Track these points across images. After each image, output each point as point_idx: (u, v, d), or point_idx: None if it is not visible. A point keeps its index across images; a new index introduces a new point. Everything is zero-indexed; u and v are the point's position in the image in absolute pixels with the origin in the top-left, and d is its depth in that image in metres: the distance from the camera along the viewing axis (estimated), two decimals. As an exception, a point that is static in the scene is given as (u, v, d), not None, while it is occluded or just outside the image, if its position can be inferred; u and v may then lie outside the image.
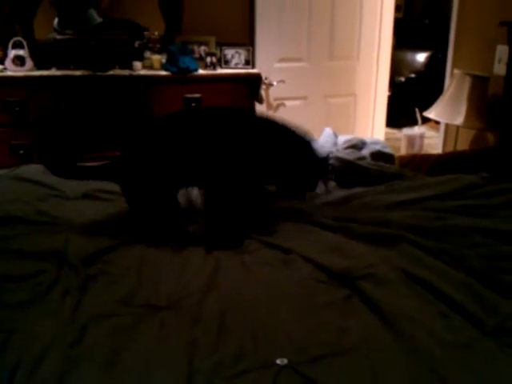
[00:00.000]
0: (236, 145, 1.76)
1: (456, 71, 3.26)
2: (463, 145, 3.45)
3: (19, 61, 3.13)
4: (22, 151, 3.08)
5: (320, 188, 2.12)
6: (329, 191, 2.15)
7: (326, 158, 2.19)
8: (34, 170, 2.30)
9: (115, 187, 2.04)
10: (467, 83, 3.08)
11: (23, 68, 3.14)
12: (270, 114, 3.74)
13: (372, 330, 1.23)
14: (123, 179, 1.77)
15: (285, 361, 1.10)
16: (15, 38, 3.17)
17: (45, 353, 1.14)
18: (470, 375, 1.09)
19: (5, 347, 1.15)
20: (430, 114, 3.30)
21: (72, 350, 1.15)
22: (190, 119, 1.82)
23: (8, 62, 3.14)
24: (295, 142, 1.86)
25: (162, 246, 1.65)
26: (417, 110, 4.71)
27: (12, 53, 3.13)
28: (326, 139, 2.56)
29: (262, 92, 3.52)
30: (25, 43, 3.17)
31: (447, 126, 3.73)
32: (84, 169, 1.88)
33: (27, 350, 1.14)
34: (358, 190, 2.10)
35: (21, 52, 3.15)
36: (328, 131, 2.65)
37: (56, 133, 1.86)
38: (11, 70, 3.13)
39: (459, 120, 3.11)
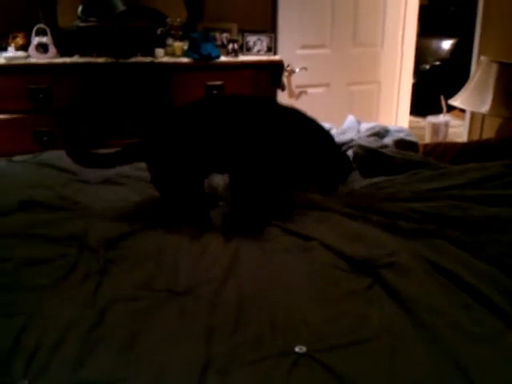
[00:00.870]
0: (262, 132, 1.75)
1: (482, 58, 3.19)
2: (489, 133, 3.38)
3: (42, 48, 3.15)
4: (45, 138, 3.11)
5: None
6: (351, 181, 2.12)
7: (349, 159, 2.15)
8: (57, 155, 2.32)
9: (135, 173, 2.05)
10: (494, 70, 3.02)
11: (46, 55, 3.16)
12: (292, 101, 3.71)
13: (393, 320, 1.21)
14: (152, 159, 1.77)
15: (303, 349, 1.09)
16: (38, 25, 3.19)
17: (64, 336, 1.15)
18: (493, 368, 1.07)
19: (25, 329, 1.17)
20: (456, 101, 3.24)
21: (91, 333, 1.16)
22: (220, 105, 1.82)
23: (31, 50, 3.16)
24: (321, 137, 1.85)
25: (181, 231, 1.65)
26: (442, 97, 4.63)
27: (35, 40, 3.15)
28: (349, 126, 2.53)
29: (284, 79, 3.50)
30: (48, 30, 3.18)
31: (473, 114, 3.67)
32: (108, 156, 1.88)
33: (47, 333, 1.15)
34: (380, 179, 2.07)
35: (44, 39, 3.16)
36: (351, 118, 2.62)
37: (82, 119, 1.86)
38: (34, 57, 3.15)
39: (485, 108, 3.05)
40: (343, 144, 2.37)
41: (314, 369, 1.04)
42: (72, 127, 1.80)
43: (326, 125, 2.61)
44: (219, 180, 1.98)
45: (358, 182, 2.11)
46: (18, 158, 2.33)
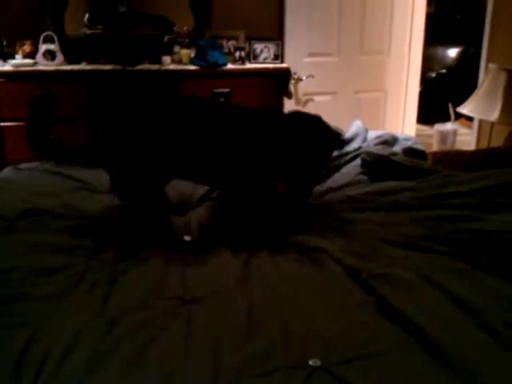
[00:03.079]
0: (243, 136, 1.71)
1: (491, 66, 3.17)
2: (497, 142, 3.36)
3: (50, 55, 3.16)
4: (51, 145, 3.10)
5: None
6: (359, 183, 2.11)
7: (339, 133, 2.07)
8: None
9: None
10: (503, 78, 3.00)
11: (54, 62, 3.16)
12: (300, 109, 3.69)
13: (404, 333, 1.19)
14: (110, 163, 1.72)
15: (318, 362, 1.06)
16: (46, 33, 3.19)
17: (73, 346, 1.13)
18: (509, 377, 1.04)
19: (33, 340, 1.15)
20: (464, 109, 3.22)
21: (100, 343, 1.14)
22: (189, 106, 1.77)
23: (39, 57, 3.16)
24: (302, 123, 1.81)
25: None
26: (450, 105, 4.61)
27: (43, 47, 3.16)
28: (356, 132, 2.50)
29: (291, 87, 3.49)
30: (55, 38, 3.19)
31: (481, 122, 3.64)
32: (69, 150, 1.83)
33: (55, 344, 1.14)
34: (389, 184, 2.05)
35: (52, 46, 3.17)
36: (358, 123, 2.59)
37: (45, 114, 1.82)
38: (42, 64, 3.16)
39: (494, 116, 3.03)
40: (349, 153, 2.35)
41: (329, 383, 1.01)
42: (36, 117, 1.77)
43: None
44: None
45: (366, 186, 2.09)
46: (24, 165, 2.31)
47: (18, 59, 3.20)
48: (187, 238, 1.64)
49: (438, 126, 4.46)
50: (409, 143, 2.49)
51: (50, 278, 1.40)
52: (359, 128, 2.54)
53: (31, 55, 3.21)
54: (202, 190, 1.96)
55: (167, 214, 1.74)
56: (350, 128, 2.60)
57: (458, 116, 4.36)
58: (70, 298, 1.32)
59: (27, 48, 3.24)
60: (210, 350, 1.12)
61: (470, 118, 4.15)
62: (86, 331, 1.18)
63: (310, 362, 1.06)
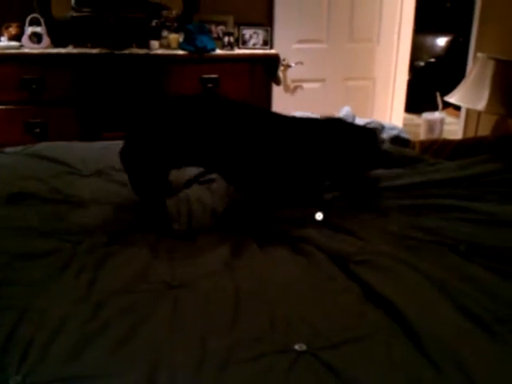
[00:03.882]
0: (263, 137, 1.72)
1: (479, 55, 3.18)
2: (484, 131, 3.37)
3: (36, 38, 3.12)
4: (37, 129, 3.07)
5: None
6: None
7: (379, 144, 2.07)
8: (49, 147, 2.29)
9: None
10: (491, 67, 3.00)
11: (40, 45, 3.12)
12: (288, 96, 3.69)
13: (386, 316, 1.20)
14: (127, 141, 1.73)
15: (303, 347, 1.07)
16: (32, 15, 3.15)
17: (59, 330, 1.13)
18: (491, 362, 1.06)
19: (18, 324, 1.14)
20: (452, 98, 3.22)
21: (86, 327, 1.14)
22: (210, 105, 1.77)
23: (25, 39, 3.12)
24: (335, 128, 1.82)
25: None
26: (437, 94, 4.62)
27: (29, 30, 3.12)
28: (345, 118, 2.50)
29: (280, 73, 3.48)
30: (42, 20, 3.14)
31: (468, 111, 3.66)
32: None
33: (41, 327, 1.13)
34: (375, 172, 2.05)
35: (38, 29, 3.13)
36: (347, 109, 2.60)
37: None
38: (28, 47, 3.12)
39: (481, 105, 3.03)
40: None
41: (314, 367, 1.02)
42: None
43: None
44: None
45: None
46: (9, 149, 2.29)
47: (4, 41, 3.16)
48: (176, 226, 1.64)
49: (426, 115, 4.46)
50: (394, 132, 2.51)
51: (37, 262, 1.39)
52: (348, 114, 2.55)
53: (17, 38, 3.17)
54: (193, 171, 1.96)
55: (163, 200, 1.73)
56: (339, 113, 2.60)
57: (446, 105, 4.37)
58: (56, 282, 1.31)
59: (13, 30, 3.20)
60: (196, 335, 1.12)
61: (457, 108, 4.17)
62: (73, 315, 1.18)
63: (296, 347, 1.07)
